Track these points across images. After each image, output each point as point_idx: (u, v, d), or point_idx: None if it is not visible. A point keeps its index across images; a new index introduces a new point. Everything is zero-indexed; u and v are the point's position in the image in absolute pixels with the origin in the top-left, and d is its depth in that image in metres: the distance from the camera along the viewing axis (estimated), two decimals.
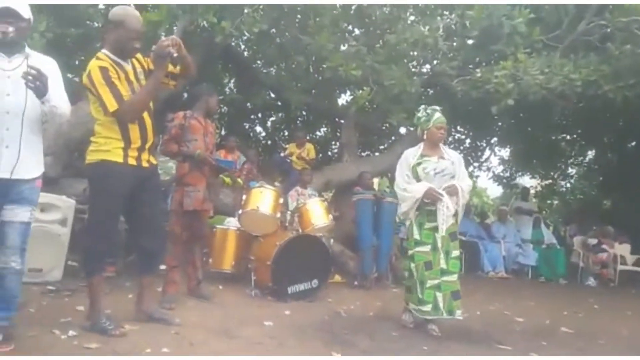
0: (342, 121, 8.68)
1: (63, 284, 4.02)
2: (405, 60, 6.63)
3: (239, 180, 6.33)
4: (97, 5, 6.69)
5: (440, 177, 3.77)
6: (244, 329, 3.39)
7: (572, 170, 13.61)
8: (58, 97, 2.62)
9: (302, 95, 7.97)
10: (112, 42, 2.96)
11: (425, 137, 3.90)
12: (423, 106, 4.02)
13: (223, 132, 9.51)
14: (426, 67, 7.38)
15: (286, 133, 10.78)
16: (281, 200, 5.00)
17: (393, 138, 9.74)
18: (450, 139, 10.39)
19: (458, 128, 10.70)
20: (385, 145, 10.12)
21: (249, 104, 9.45)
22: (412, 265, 3.74)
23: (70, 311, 3.31)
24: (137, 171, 2.97)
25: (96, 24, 6.49)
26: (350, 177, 7.11)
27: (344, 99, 9.46)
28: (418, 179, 3.80)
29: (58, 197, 4.29)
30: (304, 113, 10.25)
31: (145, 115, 3.00)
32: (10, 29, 2.45)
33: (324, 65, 6.32)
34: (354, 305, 4.64)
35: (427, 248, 3.72)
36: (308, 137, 8.46)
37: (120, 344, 2.78)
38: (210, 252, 5.08)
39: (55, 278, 4.12)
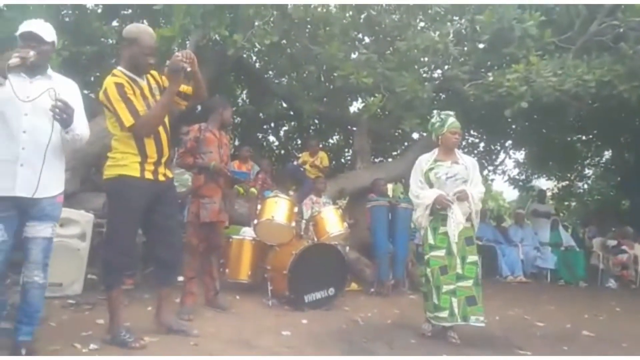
0: (355, 128, 8.70)
1: (83, 298, 4.08)
2: (416, 67, 6.62)
3: (253, 190, 6.37)
4: (110, 22, 6.83)
5: (452, 181, 3.74)
6: (262, 339, 3.41)
7: (589, 171, 13.44)
8: (80, 123, 2.68)
9: (314, 104, 8.01)
10: (126, 58, 3.02)
11: (440, 142, 3.88)
12: (436, 111, 4.01)
13: (237, 143, 9.59)
14: (437, 73, 7.37)
15: (299, 142, 10.84)
16: (296, 209, 5.02)
17: (406, 144, 9.74)
18: (463, 143, 10.33)
19: (471, 132, 10.63)
20: (399, 151, 10.12)
21: (261, 114, 9.52)
22: (428, 270, 3.72)
23: (91, 325, 3.36)
24: (154, 185, 3.01)
25: (110, 41, 6.61)
26: (364, 184, 7.11)
27: (355, 106, 9.49)
28: (430, 185, 3.79)
29: (77, 211, 4.36)
30: (316, 121, 10.29)
31: (161, 129, 3.05)
32: (32, 53, 2.50)
33: (335, 74, 6.34)
34: (372, 313, 4.62)
35: (442, 252, 3.69)
36: (321, 146, 8.49)
37: (140, 356, 2.80)
38: (226, 263, 5.11)
39: (76, 292, 4.18)
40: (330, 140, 10.90)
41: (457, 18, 6.55)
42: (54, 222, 2.69)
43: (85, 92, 5.78)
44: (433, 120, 3.96)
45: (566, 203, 14.20)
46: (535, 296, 6.30)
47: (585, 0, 5.69)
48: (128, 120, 2.87)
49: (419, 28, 6.50)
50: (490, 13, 5.60)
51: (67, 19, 6.33)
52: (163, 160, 3.07)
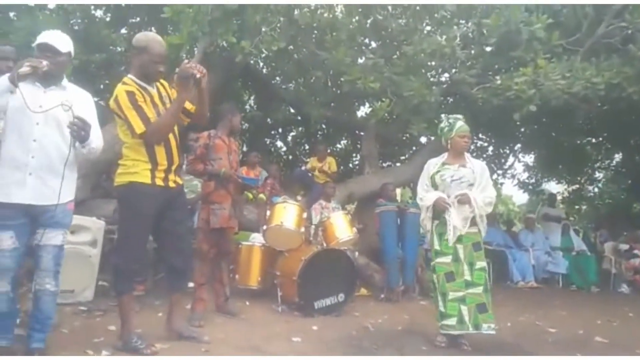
0: (362, 133, 8.70)
1: (95, 304, 4.10)
2: (423, 71, 6.61)
3: (262, 196, 6.38)
4: (119, 30, 6.90)
5: (458, 184, 3.71)
6: (272, 345, 3.41)
7: (599, 175, 13.30)
8: (95, 137, 2.71)
9: (321, 109, 8.02)
10: (136, 67, 3.05)
11: (449, 146, 3.87)
12: (445, 115, 4.01)
13: (245, 149, 9.62)
14: (445, 76, 7.35)
15: (307, 147, 10.85)
16: (305, 215, 5.02)
17: (414, 148, 9.72)
18: (472, 146, 10.29)
19: (480, 135, 10.59)
20: (407, 156, 10.10)
21: (269, 120, 9.56)
22: (434, 276, 3.69)
23: (103, 331, 3.38)
24: (164, 191, 3.03)
25: (119, 49, 6.68)
26: (373, 188, 7.10)
27: (363, 111, 9.50)
28: (436, 187, 3.77)
29: (88, 218, 4.39)
30: (324, 127, 10.29)
31: (171, 137, 3.07)
32: (44, 63, 2.51)
33: (342, 79, 6.35)
34: (382, 319, 4.60)
35: (448, 259, 3.65)
36: (329, 151, 8.50)
37: None
38: (236, 269, 5.12)
39: (87, 298, 4.20)
40: (338, 145, 10.91)
41: (463, 22, 6.53)
42: (64, 229, 2.72)
43: (95, 99, 5.84)
44: (442, 124, 3.95)
45: (577, 207, 14.05)
46: (547, 302, 6.23)
47: (593, 0, 5.66)
48: (139, 127, 2.89)
49: (425, 32, 6.48)
50: (497, 16, 5.59)
51: (76, 27, 6.39)
52: (173, 167, 3.09)
